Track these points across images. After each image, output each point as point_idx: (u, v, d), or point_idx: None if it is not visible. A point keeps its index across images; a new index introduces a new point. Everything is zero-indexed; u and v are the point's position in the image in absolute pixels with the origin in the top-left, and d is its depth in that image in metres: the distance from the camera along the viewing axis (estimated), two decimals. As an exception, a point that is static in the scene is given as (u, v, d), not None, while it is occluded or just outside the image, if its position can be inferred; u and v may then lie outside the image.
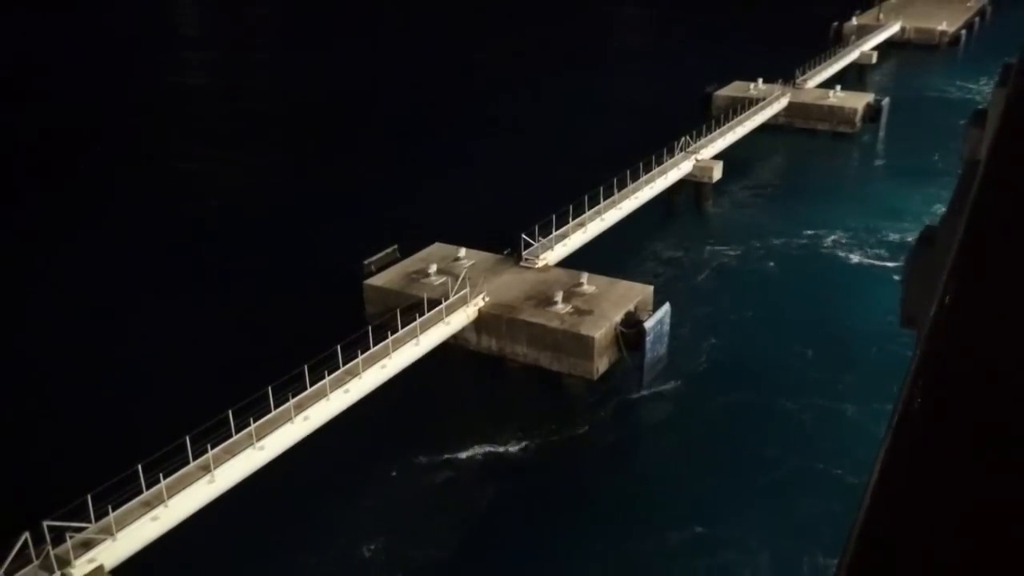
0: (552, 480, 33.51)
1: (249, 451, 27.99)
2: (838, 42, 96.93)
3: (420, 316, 35.36)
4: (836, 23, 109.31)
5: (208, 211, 59.28)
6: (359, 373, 31.92)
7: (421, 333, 34.95)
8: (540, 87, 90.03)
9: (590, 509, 31.98)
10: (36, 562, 22.72)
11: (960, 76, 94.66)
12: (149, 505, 25.38)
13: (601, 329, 36.02)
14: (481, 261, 41.69)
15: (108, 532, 24.21)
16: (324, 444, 30.79)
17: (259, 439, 28.23)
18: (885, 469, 3.57)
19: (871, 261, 51.03)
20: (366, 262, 41.32)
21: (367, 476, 33.52)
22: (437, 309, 36.22)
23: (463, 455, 34.20)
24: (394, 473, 33.49)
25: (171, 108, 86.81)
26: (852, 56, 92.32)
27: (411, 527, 30.94)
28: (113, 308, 45.46)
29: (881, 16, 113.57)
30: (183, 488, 26.14)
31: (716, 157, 58.90)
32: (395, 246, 42.59)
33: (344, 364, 31.53)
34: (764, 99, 70.02)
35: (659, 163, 53.21)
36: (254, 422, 28.18)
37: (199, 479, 26.55)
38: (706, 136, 59.32)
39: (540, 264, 41.50)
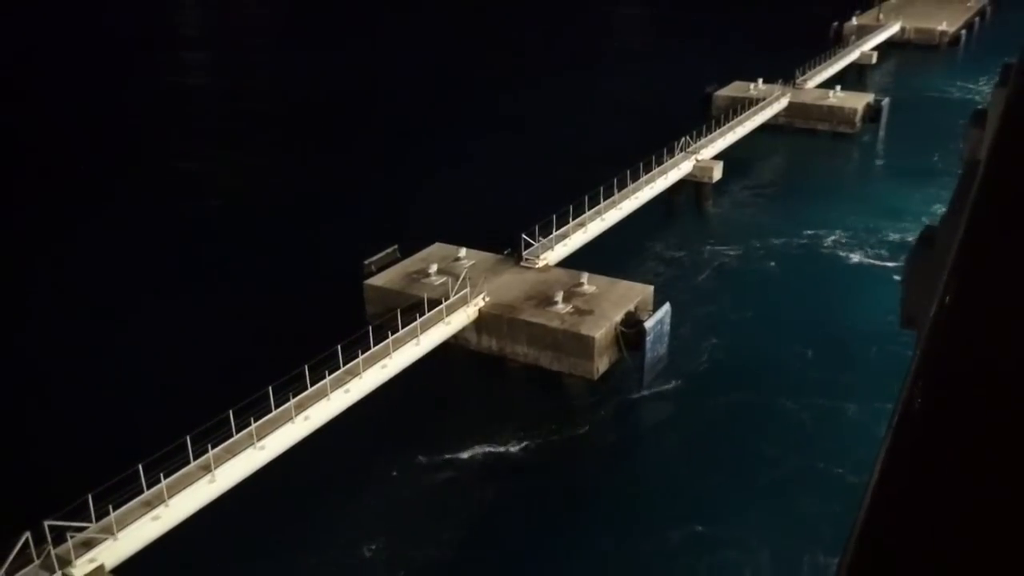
0: (552, 480, 33.53)
1: (250, 451, 28.01)
2: (838, 42, 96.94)
3: (420, 316, 35.38)
4: (836, 23, 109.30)
5: (208, 211, 59.29)
6: (359, 373, 31.94)
7: (421, 333, 34.97)
8: (540, 87, 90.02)
9: (590, 509, 32.01)
10: (37, 562, 22.72)
11: (960, 76, 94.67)
12: (150, 505, 25.40)
13: (601, 329, 36.04)
14: (481, 261, 41.70)
15: (109, 532, 24.23)
16: (325, 444, 30.81)
17: (260, 439, 28.25)
18: (885, 469, 3.56)
19: (871, 261, 51.05)
20: (366, 262, 41.33)
21: (368, 476, 33.55)
22: (437, 309, 36.24)
23: (463, 455, 34.22)
24: (395, 473, 33.51)
25: (171, 108, 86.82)
26: (852, 56, 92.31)
27: (411, 527, 30.96)
28: (114, 308, 45.47)
29: (881, 16, 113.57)
30: (184, 488, 26.16)
31: (716, 157, 58.91)
32: (395, 246, 42.60)
33: (345, 364, 31.54)
34: (764, 99, 70.02)
35: (659, 163, 53.23)
36: (255, 422, 28.20)
37: (200, 479, 26.57)
38: (706, 136, 59.34)
39: (540, 264, 41.52)
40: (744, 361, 40.47)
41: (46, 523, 22.80)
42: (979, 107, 16.37)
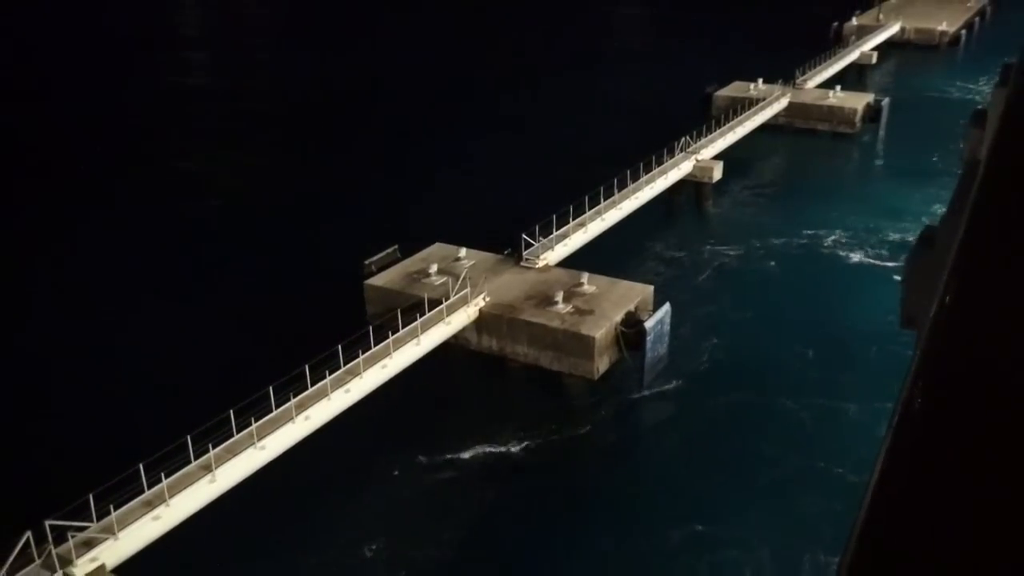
0: (553, 480, 33.54)
1: (250, 451, 28.03)
2: (838, 42, 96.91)
3: (421, 316, 35.40)
4: (836, 23, 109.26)
5: (209, 211, 59.32)
6: (360, 373, 31.96)
7: (422, 333, 34.98)
8: (540, 87, 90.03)
9: (591, 509, 32.02)
10: (38, 561, 22.74)
11: (960, 76, 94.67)
12: (151, 504, 25.42)
13: (602, 329, 36.05)
14: (482, 261, 41.72)
15: (110, 531, 24.25)
16: (325, 444, 30.83)
17: (260, 439, 28.27)
18: (885, 469, 3.56)
19: (871, 261, 51.06)
20: (367, 262, 41.35)
21: (368, 476, 33.57)
22: (438, 309, 36.25)
23: (464, 455, 34.24)
24: (395, 472, 33.53)
25: (171, 108, 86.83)
26: (852, 56, 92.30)
27: (412, 527, 30.98)
28: (114, 308, 45.50)
29: (881, 16, 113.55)
30: (185, 487, 26.17)
31: (716, 157, 58.91)
32: (396, 246, 42.62)
33: (345, 364, 31.56)
34: (764, 99, 70.02)
35: (659, 163, 53.24)
36: (255, 422, 28.21)
37: (200, 478, 26.58)
38: (706, 136, 59.34)
39: (540, 264, 41.53)
40: (744, 361, 40.49)
41: (47, 523, 22.82)
42: (979, 107, 16.36)
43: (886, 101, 74.53)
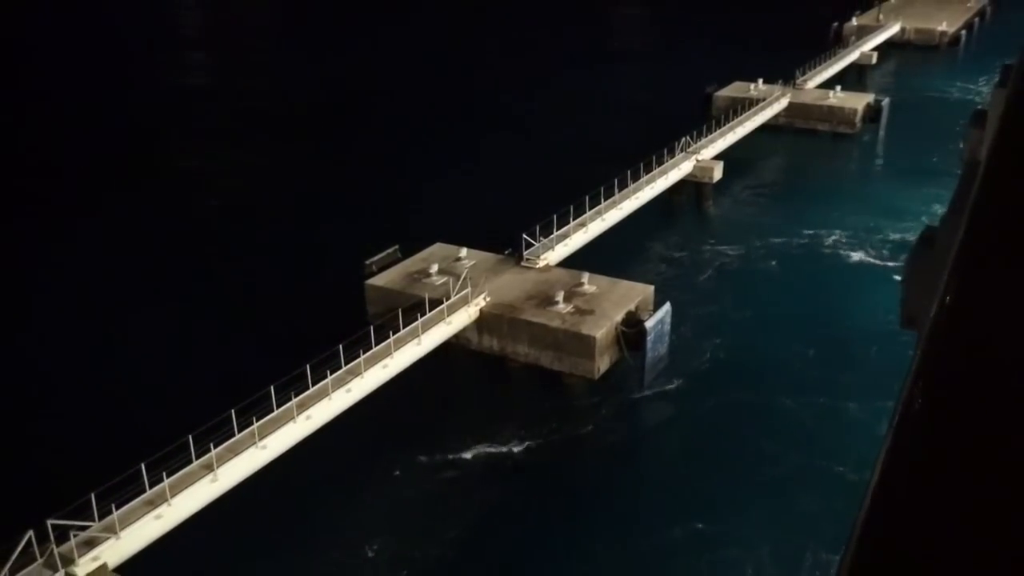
0: (553, 479, 33.57)
1: (252, 450, 28.07)
2: (838, 43, 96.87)
3: (422, 316, 35.43)
4: (836, 24, 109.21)
5: (209, 211, 59.35)
6: (361, 372, 32.00)
7: (423, 333, 35.02)
8: (541, 87, 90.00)
9: (591, 508, 32.04)
10: (40, 560, 22.76)
11: (960, 76, 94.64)
12: (152, 504, 25.45)
13: (602, 329, 36.08)
14: (482, 261, 41.75)
15: (112, 531, 24.29)
16: (326, 443, 30.86)
17: (261, 438, 28.31)
18: (885, 470, 3.55)
19: (871, 261, 51.07)
20: (367, 262, 41.38)
21: (369, 475, 33.59)
22: (439, 309, 36.28)
23: (465, 454, 34.26)
24: (396, 472, 33.56)
25: (171, 108, 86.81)
26: (852, 56, 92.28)
27: (413, 526, 31.01)
28: (116, 307, 45.50)
29: (881, 16, 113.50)
30: (186, 487, 26.22)
31: (717, 157, 58.92)
32: (396, 246, 42.64)
33: (346, 363, 31.60)
34: (764, 99, 70.02)
35: (660, 163, 53.25)
36: (256, 421, 28.26)
37: (202, 478, 26.62)
38: (706, 136, 59.35)
39: (541, 264, 41.56)
40: (745, 361, 40.50)
41: (49, 522, 22.86)
42: (979, 107, 16.36)
43: (886, 101, 74.52)
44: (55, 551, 22.96)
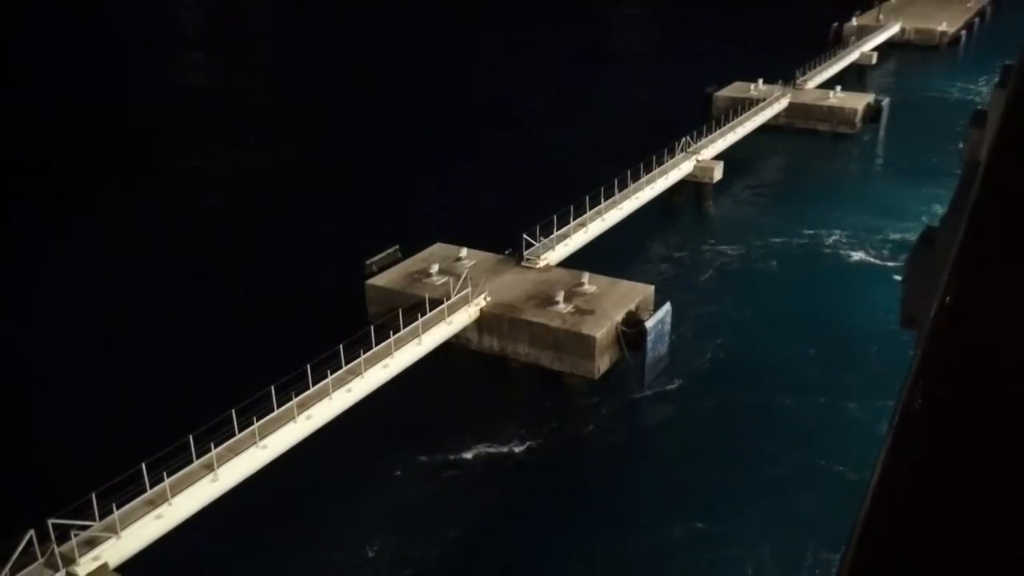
0: (554, 479, 33.58)
1: (252, 450, 28.09)
2: (838, 43, 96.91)
3: (422, 316, 35.45)
4: (836, 24, 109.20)
5: (210, 211, 59.36)
6: (361, 372, 32.02)
7: (423, 333, 35.03)
8: (541, 87, 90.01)
9: (592, 507, 32.06)
10: (41, 560, 22.78)
11: (960, 76, 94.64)
12: (153, 503, 25.47)
13: (602, 329, 36.10)
14: (482, 261, 41.76)
15: (112, 530, 24.31)
16: (327, 443, 30.88)
17: (262, 438, 28.33)
18: (886, 470, 3.55)
19: (871, 261, 51.08)
20: (368, 262, 41.40)
21: (369, 475, 33.61)
22: (439, 309, 36.30)
23: (465, 454, 34.28)
24: (397, 472, 33.57)
25: (172, 108, 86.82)
26: (852, 57, 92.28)
27: (413, 526, 31.02)
28: (116, 307, 45.53)
29: (881, 17, 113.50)
30: (187, 487, 26.24)
31: (717, 157, 58.93)
32: (397, 246, 42.66)
33: (346, 363, 31.63)
34: (764, 100, 70.03)
35: (660, 163, 53.27)
36: (257, 421, 28.28)
37: (202, 478, 26.64)
38: (707, 136, 59.37)
39: (541, 264, 41.57)
40: (745, 360, 40.52)
41: (50, 521, 22.88)
42: (979, 107, 16.37)
43: (886, 101, 74.52)
44: (56, 551, 22.98)
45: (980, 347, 4.42)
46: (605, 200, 47.01)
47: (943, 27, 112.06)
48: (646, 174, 51.15)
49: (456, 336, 37.58)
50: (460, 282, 37.76)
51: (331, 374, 30.96)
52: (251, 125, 79.97)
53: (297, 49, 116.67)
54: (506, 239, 42.61)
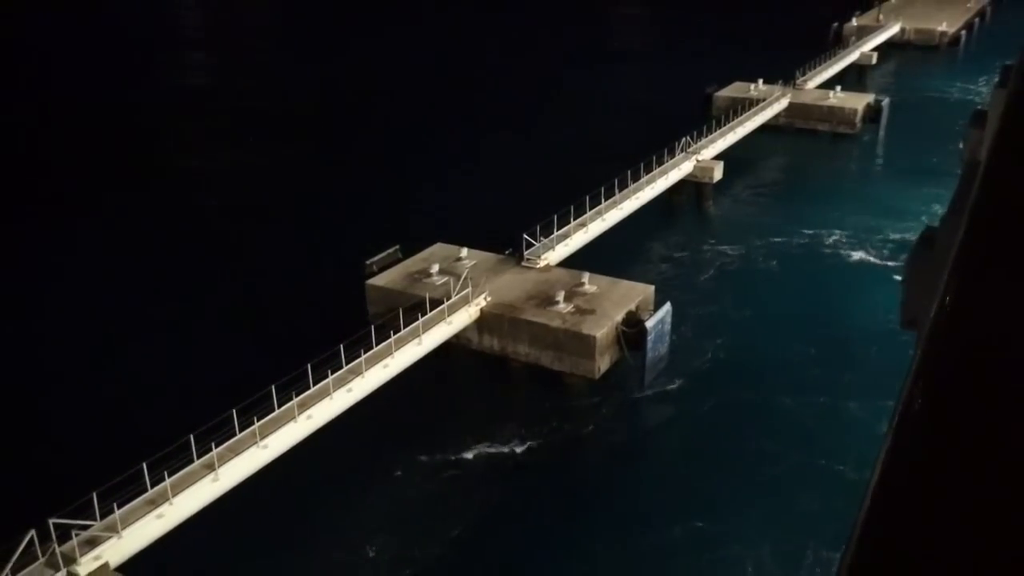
0: (554, 479, 33.59)
1: (253, 450, 28.10)
2: (838, 43, 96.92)
3: (422, 316, 35.46)
4: (836, 24, 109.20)
5: (210, 211, 59.35)
6: (362, 372, 32.03)
7: (423, 333, 35.04)
8: (541, 87, 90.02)
9: (592, 507, 32.07)
10: (42, 559, 22.79)
11: (960, 77, 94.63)
12: (154, 503, 25.48)
13: (603, 328, 36.11)
14: (483, 261, 41.77)
15: (113, 530, 24.32)
16: (327, 443, 30.89)
17: (263, 438, 28.34)
18: (885, 470, 3.57)
19: (871, 261, 51.08)
20: (368, 262, 41.41)
21: (370, 475, 33.62)
22: (439, 309, 36.31)
23: (465, 454, 34.29)
24: (397, 472, 33.58)
25: (172, 108, 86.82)
26: (852, 57, 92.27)
27: (414, 525, 31.02)
28: (117, 307, 45.54)
29: (881, 17, 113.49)
30: (188, 486, 26.25)
31: (717, 157, 58.94)
32: (397, 246, 42.67)
33: (347, 363, 31.64)
34: (764, 100, 70.03)
35: (660, 163, 53.28)
36: (258, 421, 28.29)
37: (203, 477, 26.65)
38: (707, 136, 59.37)
39: (542, 264, 41.58)
40: (745, 360, 40.52)
41: (51, 521, 22.89)
42: (979, 108, 16.38)
43: (886, 101, 74.52)
44: (57, 550, 22.99)
45: (980, 347, 4.43)
46: (605, 200, 47.02)
47: (943, 27, 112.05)
48: (646, 174, 51.16)
49: (456, 336, 37.59)
50: (460, 282, 37.77)
51: (332, 374, 30.97)
52: (251, 125, 79.97)
53: (297, 49, 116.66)
54: (506, 239, 42.62)
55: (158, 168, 67.64)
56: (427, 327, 35.32)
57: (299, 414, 29.57)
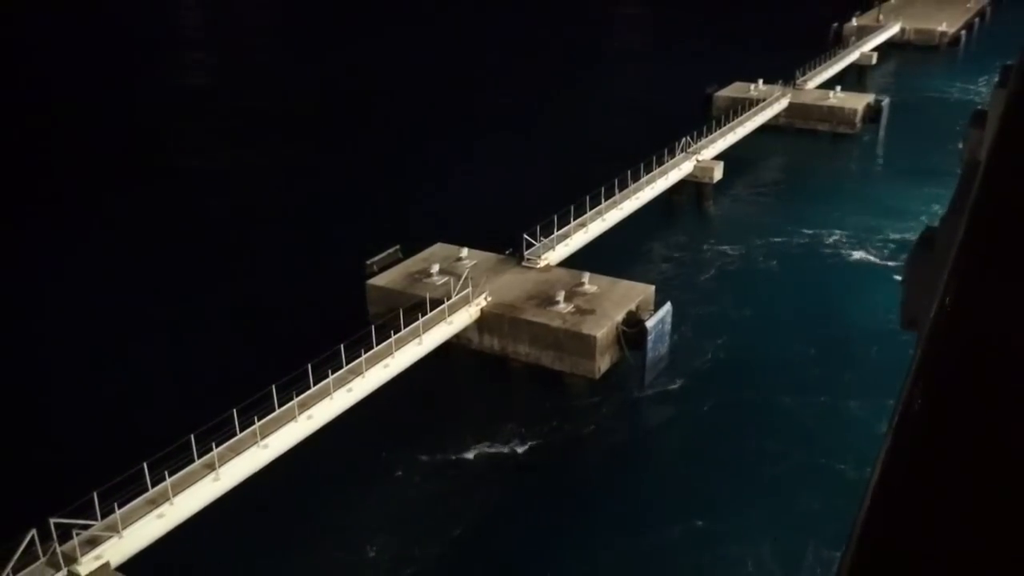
0: (555, 478, 33.61)
1: (253, 449, 28.13)
2: (838, 43, 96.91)
3: (423, 316, 35.47)
4: (836, 24, 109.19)
5: (210, 211, 59.34)
6: (362, 372, 32.06)
7: (424, 332, 35.06)
8: (541, 87, 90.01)
9: (593, 507, 32.08)
10: (43, 559, 22.82)
11: (960, 77, 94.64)
12: (155, 503, 25.50)
13: (603, 328, 36.13)
14: (483, 261, 41.79)
15: (114, 529, 24.34)
16: (328, 443, 30.92)
17: (263, 437, 28.37)
18: (885, 470, 3.56)
19: (871, 261, 51.10)
20: (369, 262, 41.43)
21: (370, 475, 33.63)
22: (440, 309, 36.33)
23: (466, 454, 34.31)
24: (397, 472, 33.60)
25: (172, 108, 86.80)
26: (852, 57, 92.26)
27: (414, 525, 31.04)
28: (118, 307, 45.55)
29: (881, 17, 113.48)
30: (188, 486, 26.27)
31: (717, 158, 58.95)
32: (397, 246, 42.69)
33: (347, 363, 31.66)
34: (764, 100, 70.04)
35: (660, 163, 53.29)
36: (258, 421, 28.32)
37: (204, 477, 26.68)
38: (707, 137, 59.38)
39: (542, 264, 41.60)
40: (745, 360, 40.55)
41: (52, 521, 22.91)
42: (979, 108, 16.37)
43: (886, 101, 74.52)
44: (58, 550, 23.01)
45: (980, 347, 4.44)
46: (605, 200, 47.04)
47: (943, 27, 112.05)
48: (646, 174, 51.18)
49: (457, 336, 37.61)
50: (461, 282, 37.79)
51: (332, 374, 30.99)
52: (251, 125, 79.97)
53: (297, 49, 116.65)
54: (506, 239, 42.63)
55: (158, 168, 67.62)
56: (427, 327, 35.34)
57: (300, 414, 29.59)
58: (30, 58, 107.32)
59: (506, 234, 42.87)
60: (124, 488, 24.77)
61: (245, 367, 35.96)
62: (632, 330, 36.70)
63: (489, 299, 38.33)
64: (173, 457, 26.03)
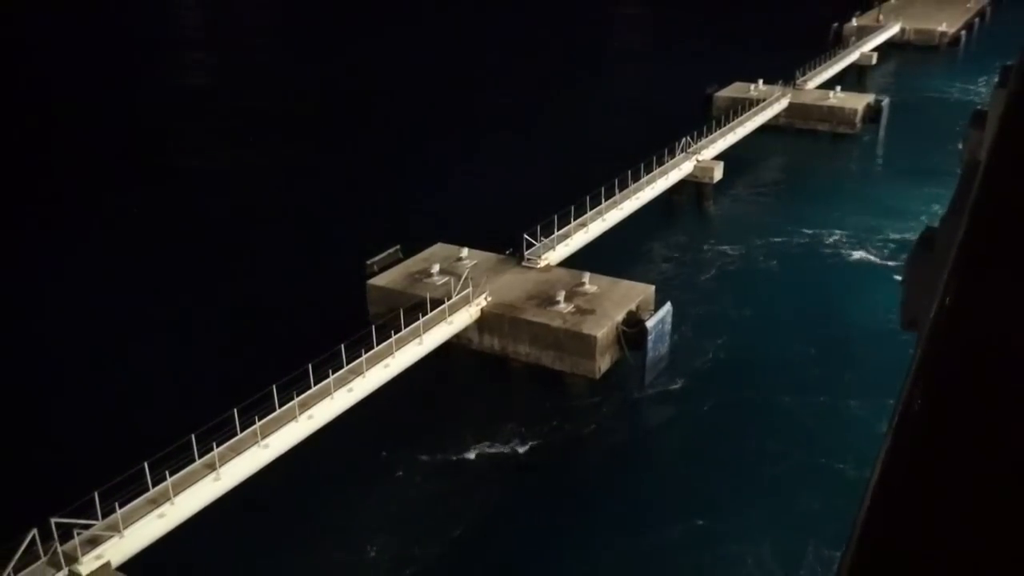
0: (555, 478, 33.63)
1: (254, 449, 28.14)
2: (838, 43, 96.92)
3: (423, 316, 35.48)
4: (836, 24, 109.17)
5: (211, 211, 59.34)
6: (363, 372, 32.06)
7: (424, 332, 35.07)
8: (541, 87, 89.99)
9: (593, 507, 32.09)
10: (44, 559, 22.83)
11: (960, 77, 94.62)
12: (155, 503, 25.52)
13: (603, 328, 36.13)
14: (483, 261, 41.80)
15: (115, 529, 24.36)
16: (328, 442, 30.93)
17: (264, 437, 28.38)
18: (885, 470, 3.57)
19: (872, 261, 51.10)
20: (369, 262, 41.44)
21: (371, 474, 33.65)
22: (440, 308, 36.33)
23: (466, 454, 34.32)
24: (398, 472, 33.61)
25: (172, 108, 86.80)
26: (852, 57, 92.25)
27: (415, 525, 31.06)
28: (119, 307, 45.55)
29: (881, 17, 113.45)
30: (189, 486, 26.28)
31: (717, 158, 58.95)
32: (398, 246, 42.70)
33: (348, 363, 31.68)
34: (764, 100, 70.02)
35: (660, 163, 53.29)
36: (259, 420, 28.33)
37: (205, 477, 26.69)
38: (707, 137, 59.38)
39: (542, 264, 41.61)
40: (745, 360, 40.55)
41: (53, 520, 22.92)
42: (979, 108, 16.37)
43: (886, 102, 74.51)
44: (59, 549, 23.03)
45: (980, 347, 4.44)
46: (605, 200, 47.04)
47: (943, 27, 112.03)
48: (646, 174, 51.18)
49: (457, 336, 37.62)
50: (461, 282, 37.80)
51: (332, 374, 31.00)
52: (251, 125, 79.95)
53: (297, 49, 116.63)
54: (507, 239, 42.64)
55: (158, 168, 67.62)
56: (428, 327, 35.35)
57: (300, 414, 29.60)
58: (30, 58, 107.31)
59: (506, 234, 42.88)
60: (125, 488, 24.79)
61: (246, 367, 35.97)
62: (632, 330, 36.71)
63: (489, 299, 38.34)
64: (174, 457, 26.05)
